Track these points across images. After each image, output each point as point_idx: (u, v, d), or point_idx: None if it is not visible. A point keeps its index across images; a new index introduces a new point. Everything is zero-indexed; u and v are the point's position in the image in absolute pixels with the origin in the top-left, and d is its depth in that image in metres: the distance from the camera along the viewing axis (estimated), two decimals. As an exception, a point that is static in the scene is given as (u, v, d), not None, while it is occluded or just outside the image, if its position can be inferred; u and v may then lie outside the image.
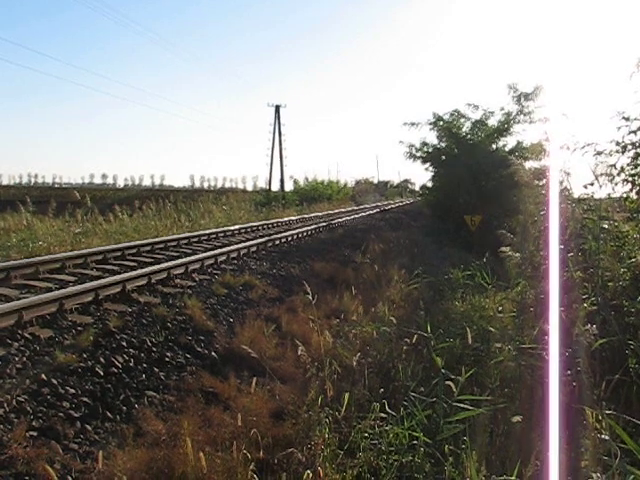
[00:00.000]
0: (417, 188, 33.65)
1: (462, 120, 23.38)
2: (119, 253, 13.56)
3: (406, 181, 79.12)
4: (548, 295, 7.51)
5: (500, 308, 8.61)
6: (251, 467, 4.55)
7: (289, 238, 19.60)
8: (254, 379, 5.78)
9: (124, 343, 7.38)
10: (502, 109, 22.33)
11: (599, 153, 8.51)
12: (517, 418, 5.10)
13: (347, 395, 5.53)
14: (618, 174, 8.49)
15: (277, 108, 55.31)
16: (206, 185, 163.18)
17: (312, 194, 54.18)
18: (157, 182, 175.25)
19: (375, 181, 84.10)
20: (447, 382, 5.34)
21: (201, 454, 4.33)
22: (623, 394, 5.75)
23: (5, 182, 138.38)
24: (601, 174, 8.53)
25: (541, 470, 4.35)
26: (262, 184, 62.22)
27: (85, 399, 5.88)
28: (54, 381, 6.00)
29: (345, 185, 70.30)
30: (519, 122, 22.14)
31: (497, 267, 10.33)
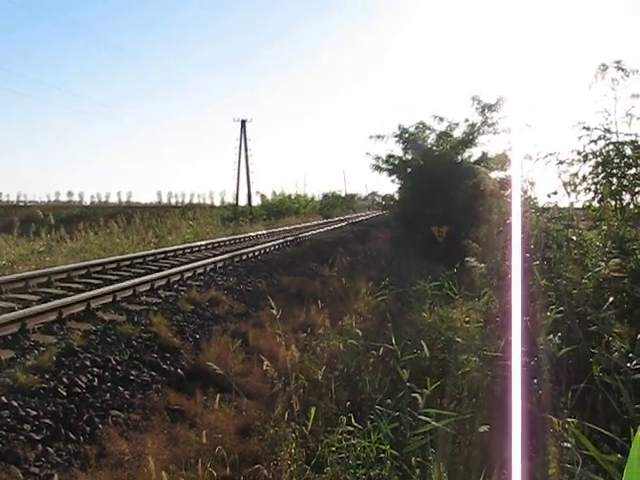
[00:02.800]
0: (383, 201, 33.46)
1: (427, 132, 23.42)
2: (84, 271, 13.44)
3: (373, 194, 79.26)
4: (510, 304, 7.53)
5: (467, 319, 8.61)
6: (217, 485, 4.50)
7: (256, 253, 19.56)
8: (217, 395, 5.73)
9: (88, 362, 7.28)
10: (467, 120, 22.38)
11: (561, 162, 8.59)
12: (484, 428, 5.09)
13: (313, 409, 5.49)
14: (580, 183, 8.56)
15: (243, 123, 55.15)
16: (173, 201, 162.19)
17: (280, 208, 54.16)
18: (124, 199, 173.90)
19: (343, 194, 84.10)
20: (413, 395, 5.32)
21: (163, 473, 4.26)
22: (589, 402, 5.76)
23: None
24: (564, 183, 8.60)
25: (507, 479, 4.34)
26: (230, 199, 61.91)
27: (47, 421, 5.78)
28: (14, 403, 5.89)
29: (313, 199, 70.44)
30: (483, 133, 22.19)
31: (464, 277, 10.35)
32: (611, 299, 6.47)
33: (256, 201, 58.89)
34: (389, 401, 5.98)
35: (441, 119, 22.84)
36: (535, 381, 5.87)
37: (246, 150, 55.34)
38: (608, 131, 8.34)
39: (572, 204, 8.82)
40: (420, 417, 5.01)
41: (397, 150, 24.15)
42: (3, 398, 5.94)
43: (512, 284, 7.59)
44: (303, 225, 39.22)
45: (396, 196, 27.70)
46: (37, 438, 5.47)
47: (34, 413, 5.85)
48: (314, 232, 31.11)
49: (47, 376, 6.69)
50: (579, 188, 8.60)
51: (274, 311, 6.68)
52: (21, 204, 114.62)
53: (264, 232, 30.69)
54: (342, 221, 46.62)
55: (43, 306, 9.02)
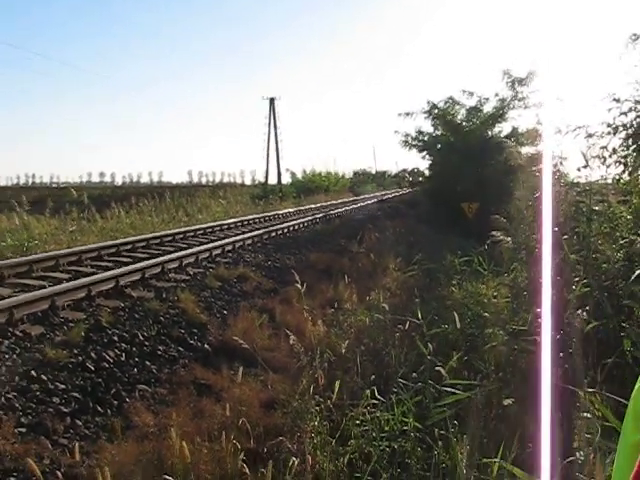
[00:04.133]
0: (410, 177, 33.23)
1: (457, 107, 23.20)
2: (114, 249, 13.55)
3: (404, 171, 78.82)
4: (541, 279, 7.47)
5: (495, 293, 8.58)
6: (241, 457, 4.53)
7: (285, 230, 19.62)
8: (240, 369, 5.77)
9: (116, 338, 7.39)
10: (497, 95, 22.14)
11: (590, 135, 8.47)
12: (508, 401, 5.08)
13: (337, 383, 5.50)
14: (610, 156, 8.45)
15: (272, 101, 54.97)
16: (204, 180, 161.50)
17: (309, 186, 53.92)
18: (155, 179, 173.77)
19: (373, 171, 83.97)
20: (437, 368, 5.32)
21: (184, 444, 4.30)
22: (618, 376, 5.71)
23: (2, 183, 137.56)
24: (593, 156, 8.49)
25: (534, 452, 4.33)
26: (260, 178, 61.97)
27: (75, 394, 5.87)
28: (44, 377, 5.99)
29: (343, 176, 70.24)
30: (514, 108, 21.95)
31: (494, 253, 10.29)
32: (638, 272, 6.38)
33: (286, 179, 58.85)
34: (415, 375, 5.99)
35: (471, 94, 22.65)
36: (561, 355, 5.84)
37: (275, 128, 55.27)
38: (639, 103, 8.20)
39: (602, 177, 8.71)
40: (443, 389, 5.01)
41: (426, 126, 24.03)
42: (33, 372, 6.05)
43: (542, 258, 7.54)
44: (333, 203, 39.16)
45: (426, 172, 27.62)
46: (66, 411, 5.56)
47: (63, 387, 5.95)
48: (343, 209, 31.09)
49: (76, 351, 6.79)
50: (609, 161, 8.48)
51: (299, 286, 6.70)
52: (54, 185, 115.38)
53: (293, 210, 30.73)
54: (372, 198, 46.50)
55: (72, 283, 9.14)
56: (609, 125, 8.38)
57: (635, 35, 8.21)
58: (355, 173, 75.58)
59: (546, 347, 4.99)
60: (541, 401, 4.16)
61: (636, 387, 0.96)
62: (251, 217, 24.10)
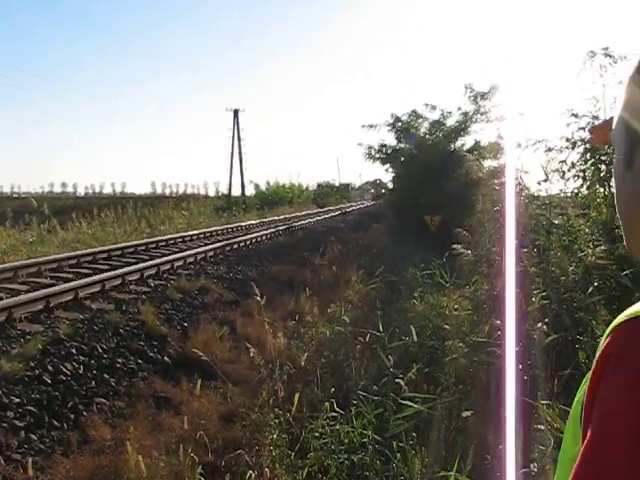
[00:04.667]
0: (373, 189, 33.25)
1: (420, 120, 23.31)
2: (74, 261, 13.40)
3: (367, 183, 79.05)
4: (502, 291, 7.54)
5: (456, 306, 8.62)
6: (199, 470, 4.49)
7: (248, 242, 19.56)
8: (199, 381, 5.74)
9: (74, 350, 7.29)
10: (459, 109, 22.26)
11: (550, 149, 8.59)
12: (467, 413, 5.10)
13: (297, 395, 5.49)
14: (569, 170, 8.57)
15: (235, 112, 54.95)
16: (168, 191, 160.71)
17: (273, 198, 53.90)
18: (118, 190, 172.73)
19: (336, 184, 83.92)
20: (397, 380, 5.33)
21: (140, 458, 4.25)
22: (575, 388, 5.75)
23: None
24: (553, 170, 8.60)
25: (492, 463, 4.36)
26: (224, 189, 61.72)
27: (31, 408, 5.77)
28: (-2, 391, 5.89)
29: (307, 188, 70.33)
30: (476, 121, 22.07)
31: (456, 266, 10.35)
32: (595, 284, 6.47)
33: (250, 191, 58.80)
34: (375, 387, 5.99)
35: (433, 107, 22.76)
36: (520, 367, 5.88)
37: (239, 140, 55.26)
38: (596, 118, 8.33)
39: (562, 191, 8.83)
40: (402, 402, 5.01)
41: (390, 139, 24.12)
42: (-14, 386, 5.95)
43: (505, 271, 7.61)
44: (296, 215, 39.13)
45: (389, 185, 27.70)
46: (20, 425, 5.47)
47: (17, 400, 5.85)
48: (307, 221, 31.08)
49: (32, 364, 6.69)
50: (568, 175, 8.60)
51: (259, 298, 6.68)
52: (15, 195, 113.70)
53: (257, 222, 30.62)
54: (335, 210, 46.57)
55: (30, 295, 9.01)
56: (568, 139, 8.50)
57: (592, 52, 8.32)
58: (319, 185, 75.35)
59: (507, 359, 5.03)
60: (499, 413, 4.20)
61: (575, 399, 0.96)
62: (214, 229, 23.98)
